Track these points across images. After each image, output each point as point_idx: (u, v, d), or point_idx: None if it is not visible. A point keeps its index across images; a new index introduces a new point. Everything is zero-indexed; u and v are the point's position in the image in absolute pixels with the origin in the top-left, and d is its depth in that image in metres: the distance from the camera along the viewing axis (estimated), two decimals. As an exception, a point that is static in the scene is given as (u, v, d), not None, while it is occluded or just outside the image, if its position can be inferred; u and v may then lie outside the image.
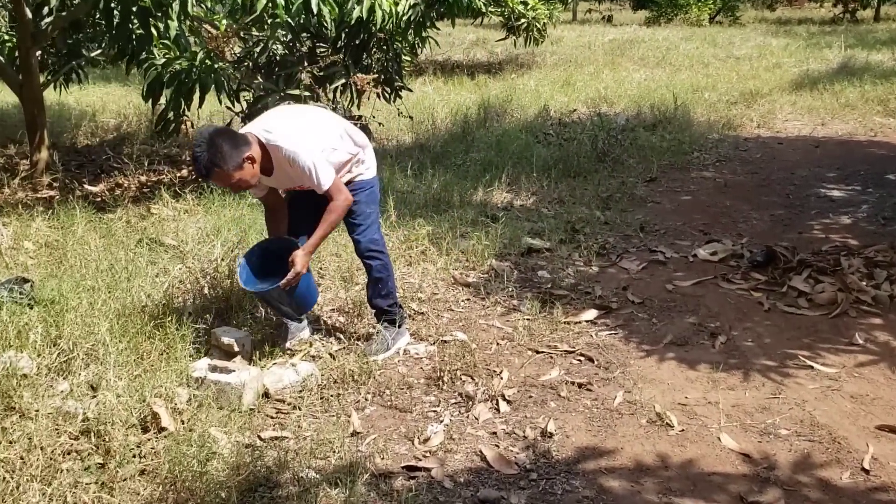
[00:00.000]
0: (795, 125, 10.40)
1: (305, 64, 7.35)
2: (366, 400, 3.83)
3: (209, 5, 7.90)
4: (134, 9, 6.23)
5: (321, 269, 5.22)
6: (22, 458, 3.09)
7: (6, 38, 8.33)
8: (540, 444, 3.42)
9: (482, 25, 22.21)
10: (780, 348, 4.28)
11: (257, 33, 7.44)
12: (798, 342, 4.35)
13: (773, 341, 4.37)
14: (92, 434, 3.31)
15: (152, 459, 3.22)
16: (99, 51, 8.82)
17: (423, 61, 16.10)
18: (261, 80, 7.38)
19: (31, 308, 4.28)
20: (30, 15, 7.34)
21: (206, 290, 4.71)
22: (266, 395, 3.81)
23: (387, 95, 8.42)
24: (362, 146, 4.11)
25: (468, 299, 5.01)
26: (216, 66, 6.74)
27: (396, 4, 7.28)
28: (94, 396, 3.55)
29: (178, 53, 6.95)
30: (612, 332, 4.53)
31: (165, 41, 6.90)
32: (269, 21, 6.96)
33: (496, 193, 7.12)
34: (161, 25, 6.60)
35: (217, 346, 4.09)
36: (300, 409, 3.70)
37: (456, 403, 3.79)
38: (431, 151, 8.50)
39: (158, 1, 6.20)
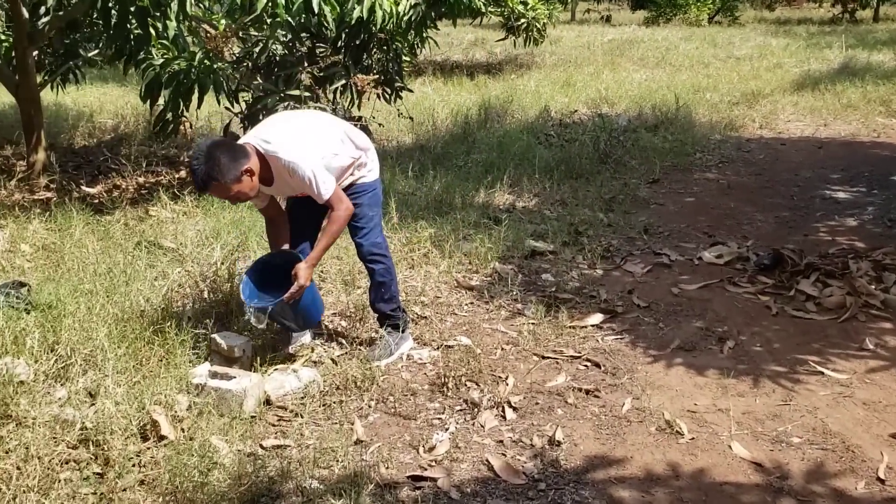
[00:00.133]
0: (798, 126, 10.34)
1: (305, 64, 7.27)
2: (369, 407, 3.76)
3: (207, 5, 7.83)
4: (132, 9, 6.15)
5: (322, 272, 5.14)
6: (19, 468, 3.03)
7: (2, 37, 8.24)
8: (548, 453, 3.36)
9: (481, 25, 22.14)
10: (789, 353, 4.21)
11: (256, 33, 7.36)
12: (807, 347, 4.28)
13: (782, 346, 4.30)
14: (90, 443, 3.24)
15: (152, 469, 3.15)
16: (96, 51, 8.74)
17: (422, 61, 16.03)
18: (260, 80, 7.30)
19: (28, 313, 4.21)
20: (26, 14, 7.26)
21: (205, 294, 4.64)
22: (267, 401, 3.73)
23: (387, 96, 8.35)
24: (364, 149, 4.04)
25: (472, 303, 4.95)
26: (215, 66, 6.67)
27: (397, 4, 7.21)
28: (93, 404, 3.48)
29: (176, 54, 6.88)
30: (619, 336, 4.46)
31: (164, 41, 6.83)
32: (269, 21, 6.88)
33: (498, 195, 7.05)
34: (160, 25, 6.51)
35: (217, 351, 4.01)
36: (302, 417, 3.63)
37: (461, 410, 3.72)
38: (432, 152, 8.43)
39: (157, 1, 6.13)
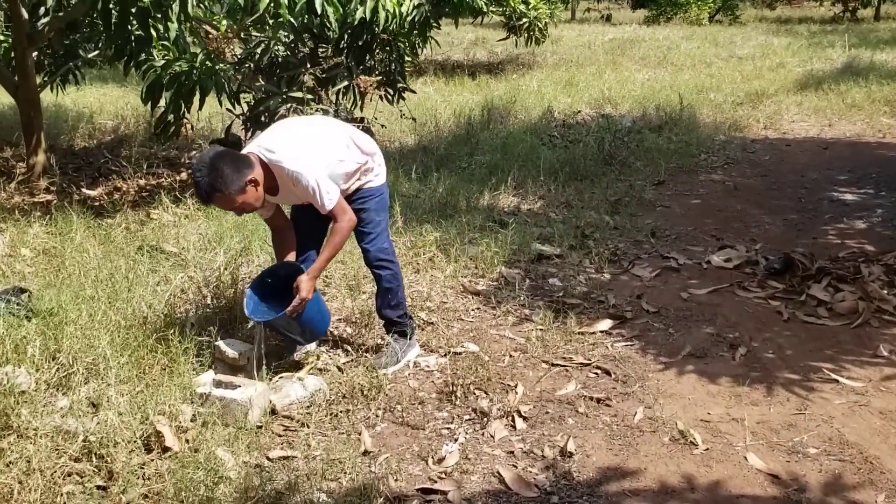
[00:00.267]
0: (802, 126, 10.28)
1: (308, 66, 7.20)
2: (376, 416, 3.69)
3: (207, 5, 7.76)
4: (133, 10, 6.08)
5: (327, 277, 5.08)
6: (20, 482, 2.96)
7: (1, 38, 8.17)
8: (560, 465, 3.29)
9: (481, 25, 22.06)
10: (802, 360, 4.14)
11: (258, 34, 7.29)
12: (820, 354, 4.22)
13: (794, 353, 4.23)
14: (93, 455, 3.17)
15: (157, 482, 3.08)
16: (96, 52, 8.67)
17: (423, 61, 15.95)
18: (262, 82, 7.23)
19: (29, 320, 4.14)
20: (26, 15, 7.18)
21: (209, 300, 4.57)
22: (273, 411, 3.67)
23: (389, 97, 8.28)
24: (370, 154, 3.97)
25: (478, 308, 4.88)
26: (217, 67, 6.60)
27: (400, 5, 7.13)
28: (96, 414, 3.42)
29: (177, 55, 6.81)
30: (628, 343, 4.39)
31: (165, 42, 6.76)
32: (271, 21, 6.81)
33: (503, 197, 6.98)
34: (161, 27, 6.44)
35: (221, 359, 3.95)
36: (308, 427, 3.55)
37: (470, 420, 3.65)
38: (435, 154, 8.37)
39: (158, 1, 6.06)
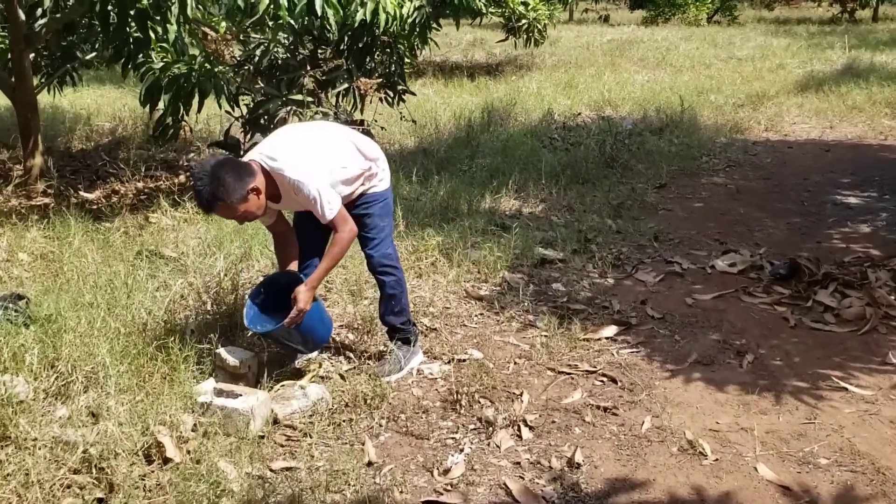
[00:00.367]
0: (804, 128, 10.25)
1: (308, 68, 7.14)
2: (380, 426, 3.63)
3: (205, 6, 7.70)
4: (131, 11, 6.01)
5: (328, 282, 5.02)
6: (19, 494, 2.91)
7: (-2, 40, 8.12)
8: (567, 476, 3.24)
9: (480, 26, 22.02)
10: (810, 368, 4.10)
11: (258, 36, 7.23)
12: (829, 361, 4.17)
13: (802, 360, 4.19)
14: (93, 466, 3.11)
15: (158, 495, 3.03)
16: (94, 53, 8.60)
17: (422, 62, 15.90)
18: (262, 84, 7.17)
19: (27, 327, 4.08)
20: (23, 17, 7.12)
21: (209, 306, 4.51)
22: (275, 420, 3.61)
23: (389, 99, 8.22)
24: (374, 159, 3.91)
25: (481, 314, 4.83)
26: (216, 70, 6.54)
27: (401, 7, 7.08)
28: (95, 424, 3.36)
29: (175, 57, 6.75)
30: (634, 349, 4.34)
31: (163, 44, 6.70)
32: (271, 24, 6.75)
33: (504, 201, 6.93)
34: (159, 29, 6.38)
35: (222, 367, 3.89)
36: (311, 437, 3.50)
37: (475, 429, 3.60)
38: (436, 157, 8.31)
39: (157, 3, 6.00)
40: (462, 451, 3.43)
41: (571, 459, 3.33)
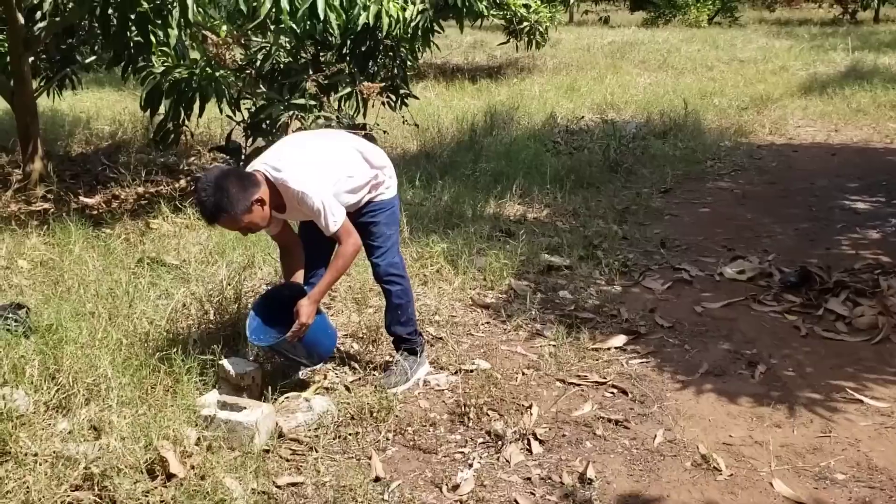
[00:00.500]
0: (808, 131, 10.19)
1: (310, 72, 7.07)
2: (387, 439, 3.56)
3: (206, 10, 7.63)
4: (132, 16, 5.95)
5: (332, 291, 4.92)
6: (18, 512, 2.84)
7: (-3, 43, 8.05)
8: (579, 492, 3.16)
9: (480, 28, 21.95)
10: (823, 379, 4.03)
11: (260, 40, 7.16)
12: (842, 372, 4.10)
13: (815, 371, 4.12)
14: (95, 483, 3.04)
15: (161, 512, 2.96)
16: (94, 57, 8.53)
17: (423, 65, 15.82)
18: (264, 88, 7.10)
19: (27, 337, 4.01)
20: (22, 20, 7.06)
21: (211, 316, 4.44)
22: (280, 434, 3.54)
23: (392, 103, 8.15)
24: (380, 167, 3.85)
25: (488, 322, 4.76)
26: (217, 74, 6.48)
27: (404, 10, 7.01)
28: (97, 438, 3.29)
29: (176, 61, 6.69)
30: (644, 360, 4.27)
31: (164, 48, 6.64)
32: (273, 27, 6.69)
33: (508, 206, 6.87)
34: (160, 33, 6.31)
35: (225, 378, 3.82)
36: (317, 451, 3.43)
37: (484, 443, 3.53)
38: (439, 161, 8.24)
39: (158, 7, 5.93)
40: (471, 466, 3.36)
41: (583, 475, 3.26)
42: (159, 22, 6.09)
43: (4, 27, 7.33)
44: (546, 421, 3.68)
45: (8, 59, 7.42)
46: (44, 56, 8.39)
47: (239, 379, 3.78)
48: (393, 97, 8.08)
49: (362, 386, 3.94)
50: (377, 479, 3.27)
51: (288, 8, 6.18)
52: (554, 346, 4.39)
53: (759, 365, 4.16)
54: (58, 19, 7.09)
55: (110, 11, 6.07)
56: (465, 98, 12.48)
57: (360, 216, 3.83)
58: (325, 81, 7.09)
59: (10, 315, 4.15)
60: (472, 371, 4.13)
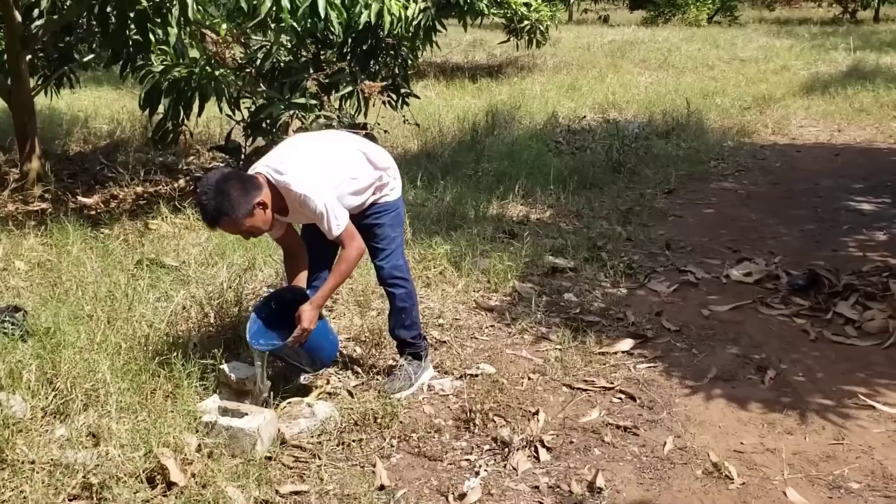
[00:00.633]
0: (811, 131, 10.13)
1: (311, 71, 6.99)
2: (391, 446, 3.49)
3: (206, 8, 7.55)
4: (131, 14, 5.87)
5: (333, 293, 4.86)
6: (15, 522, 2.77)
7: (-6, 41, 7.97)
8: (588, 501, 3.10)
9: (480, 26, 21.86)
10: (834, 384, 3.96)
11: (260, 38, 7.09)
12: (853, 377, 4.03)
13: (825, 376, 4.05)
14: (93, 492, 2.97)
15: (162, 523, 2.89)
16: (92, 55, 8.45)
17: (422, 64, 15.73)
18: (264, 87, 7.03)
19: (25, 341, 3.94)
20: (19, 18, 6.97)
21: (211, 318, 4.37)
22: (282, 441, 3.47)
23: (393, 103, 8.08)
24: (384, 168, 3.78)
25: (492, 326, 4.69)
26: (217, 73, 6.40)
27: (406, 8, 6.94)
28: (96, 446, 3.22)
29: (175, 60, 6.61)
30: (651, 364, 4.21)
31: (163, 47, 6.56)
32: (273, 25, 6.61)
33: (511, 206, 6.80)
34: (160, 31, 6.23)
35: (226, 383, 3.75)
36: (320, 458, 3.36)
37: (490, 450, 3.46)
38: (440, 160, 8.17)
39: (157, 5, 5.86)
40: (478, 474, 3.29)
41: (592, 483, 3.19)
42: (158, 20, 6.00)
43: (1, 25, 7.25)
44: (553, 427, 3.61)
45: (5, 57, 7.33)
46: (41, 54, 8.29)
47: (240, 384, 3.71)
48: (394, 96, 8.01)
49: (365, 391, 3.88)
50: (382, 488, 3.20)
51: (289, 6, 6.10)
52: (560, 350, 4.32)
53: (768, 370, 4.09)
54: (56, 17, 7.01)
55: (109, 9, 5.99)
56: (465, 97, 12.41)
57: (364, 218, 3.76)
58: (326, 80, 7.01)
59: (7, 318, 4.08)
60: (476, 376, 4.06)
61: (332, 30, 6.66)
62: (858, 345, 4.38)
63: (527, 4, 15.21)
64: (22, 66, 7.16)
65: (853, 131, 10.06)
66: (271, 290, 4.48)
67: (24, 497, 2.88)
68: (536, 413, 3.70)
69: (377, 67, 7.71)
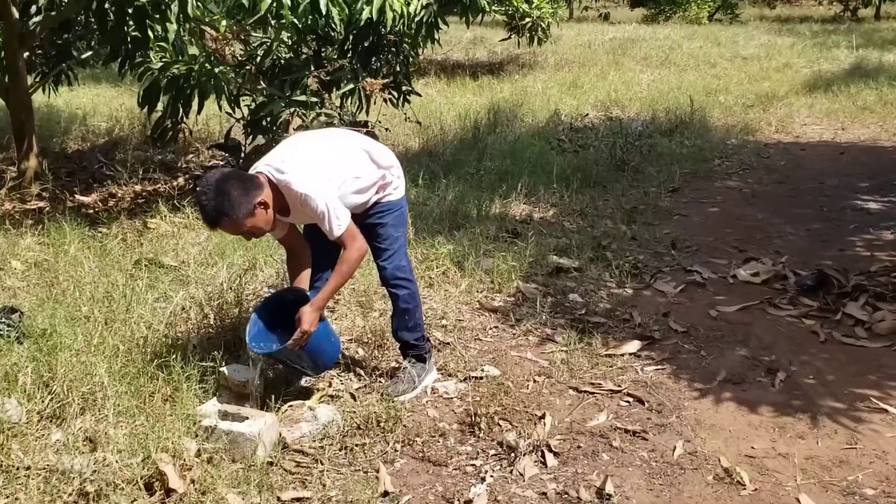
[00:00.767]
0: (815, 129, 10.06)
1: (311, 68, 6.92)
2: (395, 451, 3.42)
3: (205, 4, 7.47)
4: (130, 10, 5.79)
5: (335, 294, 4.79)
6: (10, 531, 2.70)
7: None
8: (598, 508, 3.03)
9: (480, 23, 21.76)
10: (845, 387, 3.89)
11: (260, 35, 7.01)
12: (864, 379, 3.96)
13: (836, 378, 3.98)
14: (90, 500, 2.90)
15: (160, 531, 2.82)
16: (90, 52, 8.37)
17: (423, 61, 15.65)
18: (264, 85, 6.95)
19: (21, 343, 3.86)
20: (17, 15, 6.90)
21: (211, 320, 4.29)
22: (283, 445, 3.40)
23: (394, 100, 8.00)
24: (387, 167, 3.70)
25: (496, 327, 4.62)
26: (216, 70, 6.33)
27: (408, 5, 6.86)
28: (93, 451, 3.14)
29: (174, 56, 6.53)
30: (659, 366, 4.13)
31: (162, 44, 6.48)
32: (274, 22, 6.54)
33: (514, 205, 6.73)
34: (158, 28, 6.15)
35: (226, 386, 3.68)
36: (322, 463, 3.29)
37: (496, 455, 3.39)
38: (442, 159, 8.09)
39: (156, 1, 5.78)
40: (484, 480, 3.22)
41: (601, 489, 3.12)
42: (157, 16, 5.93)
43: (-1, 23, 7.18)
44: (560, 431, 3.54)
45: (2, 54, 7.25)
46: (39, 51, 8.22)
47: (240, 387, 3.64)
48: (395, 94, 7.93)
49: (368, 394, 3.81)
50: (386, 494, 3.13)
51: (289, 2, 6.02)
52: (565, 351, 4.24)
53: (778, 372, 4.02)
54: (53, 14, 6.93)
55: (107, 6, 5.92)
56: (466, 95, 12.33)
57: (367, 217, 3.69)
58: (327, 78, 6.94)
59: (3, 319, 4.00)
60: (481, 378, 3.99)
61: (334, 26, 6.59)
62: (869, 346, 4.31)
63: (528, 1, 15.13)
64: (19, 63, 7.08)
65: (857, 129, 9.99)
66: (272, 291, 4.41)
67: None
68: (543, 417, 3.63)
69: (378, 65, 7.62)
